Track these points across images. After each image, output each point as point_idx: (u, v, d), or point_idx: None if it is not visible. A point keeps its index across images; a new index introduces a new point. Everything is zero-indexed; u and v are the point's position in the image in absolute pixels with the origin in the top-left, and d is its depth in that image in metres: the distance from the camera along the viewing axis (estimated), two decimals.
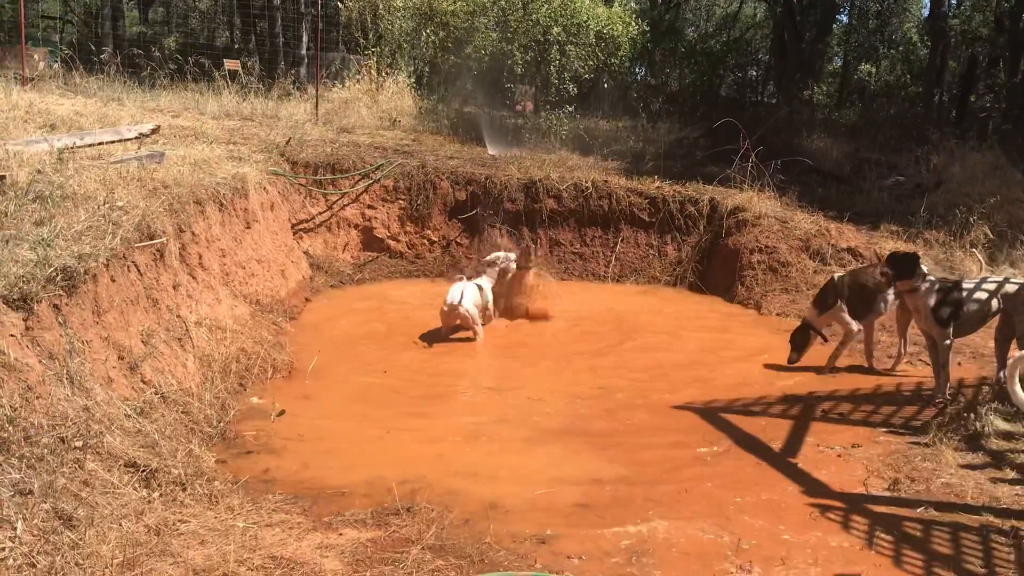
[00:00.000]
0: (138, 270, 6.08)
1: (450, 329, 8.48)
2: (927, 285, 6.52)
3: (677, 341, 8.67)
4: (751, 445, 5.92)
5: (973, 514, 4.79)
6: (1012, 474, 5.26)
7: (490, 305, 8.86)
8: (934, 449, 5.65)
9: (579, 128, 16.00)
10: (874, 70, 28.98)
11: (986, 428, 5.73)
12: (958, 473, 5.29)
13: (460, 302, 8.18)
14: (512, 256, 9.28)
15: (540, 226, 11.95)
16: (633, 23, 16.41)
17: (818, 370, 7.61)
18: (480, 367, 7.75)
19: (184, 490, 4.65)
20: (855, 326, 7.66)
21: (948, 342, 6.54)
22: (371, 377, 7.34)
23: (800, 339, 7.73)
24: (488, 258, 9.24)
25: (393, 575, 4.07)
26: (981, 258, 8.47)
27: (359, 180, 11.68)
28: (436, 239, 11.86)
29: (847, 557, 4.34)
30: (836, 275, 7.97)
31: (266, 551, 4.19)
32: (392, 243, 11.76)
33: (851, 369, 7.73)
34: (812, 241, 10.70)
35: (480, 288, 8.66)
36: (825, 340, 7.86)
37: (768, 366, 7.83)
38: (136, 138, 8.93)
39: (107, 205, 6.24)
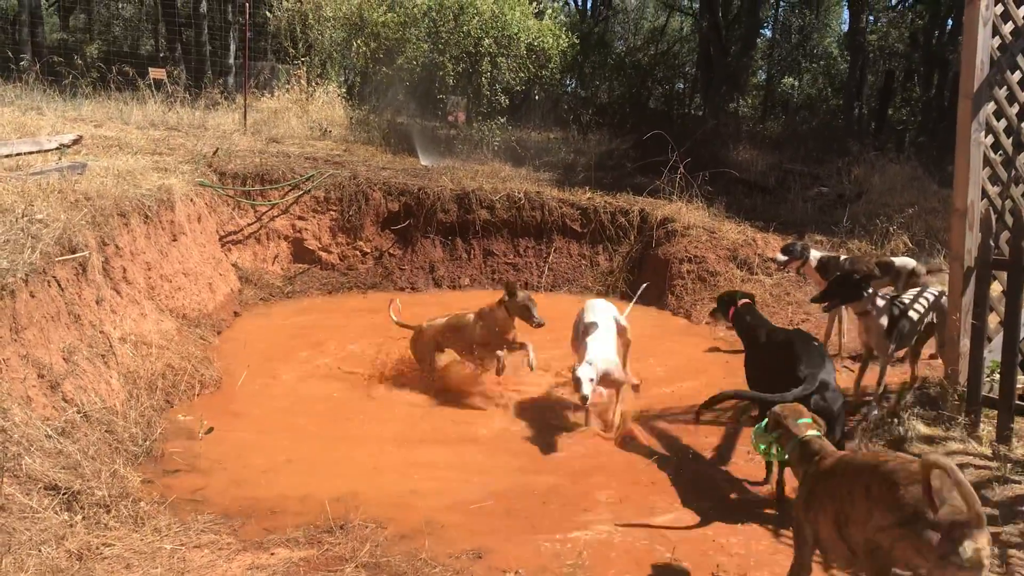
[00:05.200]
0: (59, 285, 5.89)
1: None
2: (882, 304, 6.53)
3: None
4: (684, 453, 5.99)
5: None
6: None
7: None
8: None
9: (511, 139, 16.06)
10: (797, 83, 29.77)
11: (909, 433, 5.89)
12: None
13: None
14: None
15: (474, 237, 11.94)
16: (564, 36, 16.56)
17: None
18: (412, 380, 7.67)
19: (108, 512, 4.50)
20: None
21: (888, 356, 6.66)
22: (302, 392, 7.23)
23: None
24: None
25: None
26: None
27: (289, 191, 11.51)
28: (369, 250, 11.76)
29: (780, 563, 4.41)
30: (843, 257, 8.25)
31: (195, 574, 4.09)
32: (323, 255, 11.61)
33: None
34: (740, 251, 10.91)
35: None
36: None
37: (700, 373, 7.93)
38: (57, 148, 8.67)
39: (26, 218, 6.04)
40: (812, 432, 3.93)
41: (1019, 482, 5.27)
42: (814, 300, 6.93)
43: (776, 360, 5.38)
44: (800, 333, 5.78)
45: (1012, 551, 4.56)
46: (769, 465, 5.34)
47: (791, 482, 5.28)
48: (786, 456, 4.02)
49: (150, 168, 9.53)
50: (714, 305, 6.65)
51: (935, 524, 3.12)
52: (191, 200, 9.70)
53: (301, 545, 4.48)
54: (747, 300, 6.29)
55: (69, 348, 5.69)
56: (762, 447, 4.15)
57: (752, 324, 5.99)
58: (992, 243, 5.89)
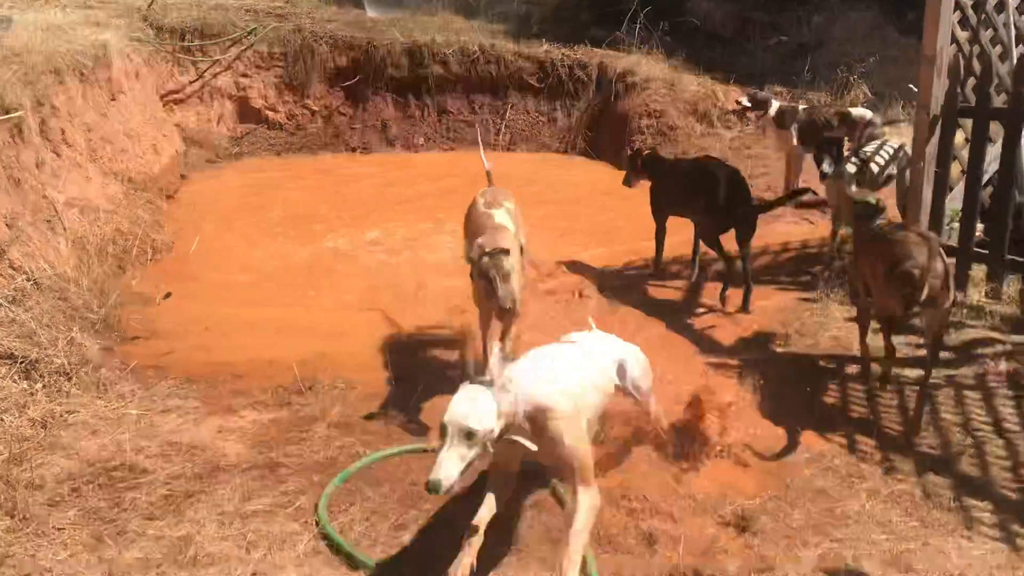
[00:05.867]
0: None
1: None
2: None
3: (575, 207, 8.60)
4: (652, 309, 5.98)
5: (859, 364, 5.02)
6: None
7: None
8: (821, 304, 5.85)
9: None
10: None
11: None
12: (844, 326, 5.51)
13: None
14: None
15: (427, 93, 11.54)
16: None
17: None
18: (375, 238, 7.52)
19: (69, 380, 4.42)
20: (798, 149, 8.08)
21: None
22: (258, 255, 7.09)
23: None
24: None
25: (299, 454, 4.00)
26: None
27: (231, 46, 10.95)
28: (317, 109, 11.33)
29: (746, 413, 4.48)
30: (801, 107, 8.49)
31: (163, 438, 4.06)
32: (270, 114, 11.18)
33: None
34: (699, 104, 10.72)
35: None
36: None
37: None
38: None
39: None
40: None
41: (974, 326, 5.41)
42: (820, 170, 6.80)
43: (693, 183, 6.08)
44: (710, 158, 6.60)
45: (967, 392, 4.71)
46: None
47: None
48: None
49: (81, 22, 8.94)
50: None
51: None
52: (128, 57, 9.17)
53: (270, 407, 4.45)
54: (649, 150, 6.93)
55: (11, 214, 5.43)
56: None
57: (662, 163, 6.63)
58: (959, 90, 5.82)
